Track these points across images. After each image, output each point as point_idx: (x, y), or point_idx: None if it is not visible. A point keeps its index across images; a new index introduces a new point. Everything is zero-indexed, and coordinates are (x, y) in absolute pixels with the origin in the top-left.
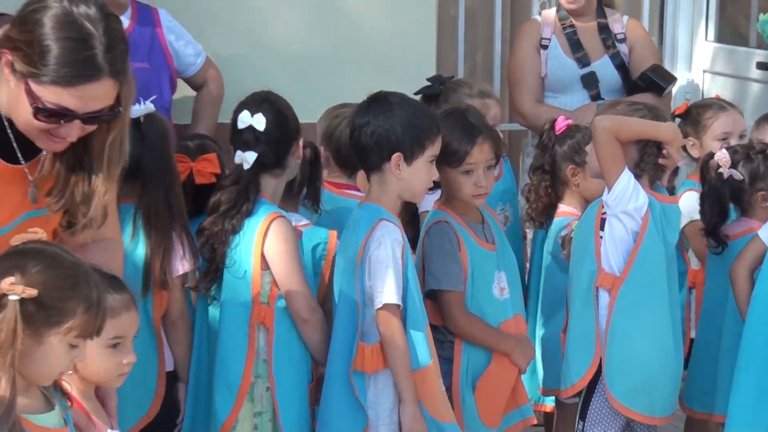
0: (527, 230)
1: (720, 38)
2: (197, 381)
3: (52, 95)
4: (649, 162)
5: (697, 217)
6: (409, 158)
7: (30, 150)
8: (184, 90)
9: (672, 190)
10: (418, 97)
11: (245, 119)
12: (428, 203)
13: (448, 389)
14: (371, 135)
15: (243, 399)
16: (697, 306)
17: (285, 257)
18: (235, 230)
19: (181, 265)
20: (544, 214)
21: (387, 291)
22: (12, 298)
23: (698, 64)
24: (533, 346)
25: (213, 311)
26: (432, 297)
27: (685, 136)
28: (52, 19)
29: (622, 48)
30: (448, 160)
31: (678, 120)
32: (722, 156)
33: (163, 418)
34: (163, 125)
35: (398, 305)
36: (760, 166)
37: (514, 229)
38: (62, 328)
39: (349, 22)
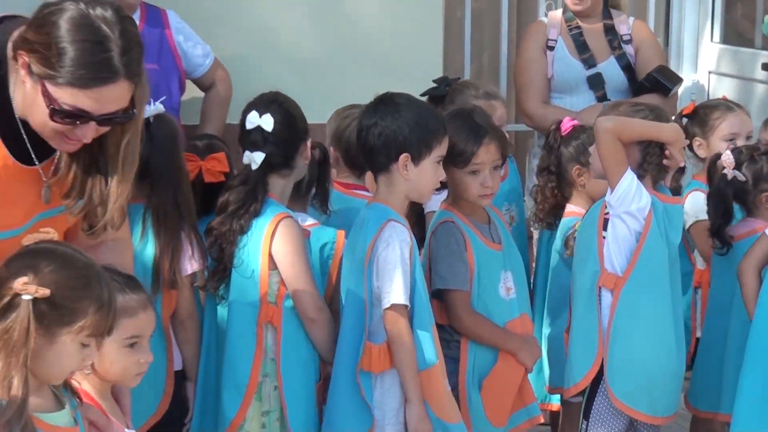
0: (533, 230)
1: (725, 39)
2: (205, 380)
3: (68, 97)
4: (651, 162)
5: (703, 217)
6: (416, 159)
7: (43, 151)
8: (192, 91)
9: (678, 190)
10: (424, 99)
11: (253, 120)
12: (435, 203)
13: (455, 388)
14: (379, 136)
15: (251, 398)
16: (703, 306)
17: (292, 257)
18: (243, 230)
19: (190, 264)
20: (551, 214)
21: (395, 291)
22: (25, 297)
23: (704, 65)
24: (539, 345)
25: (221, 311)
26: (438, 296)
27: (693, 136)
28: (69, 21)
29: (628, 49)
30: (454, 160)
31: (685, 120)
32: (726, 157)
33: (171, 416)
34: (172, 126)
35: (406, 305)
36: (764, 167)
37: (519, 229)
38: (74, 328)
39: (356, 23)
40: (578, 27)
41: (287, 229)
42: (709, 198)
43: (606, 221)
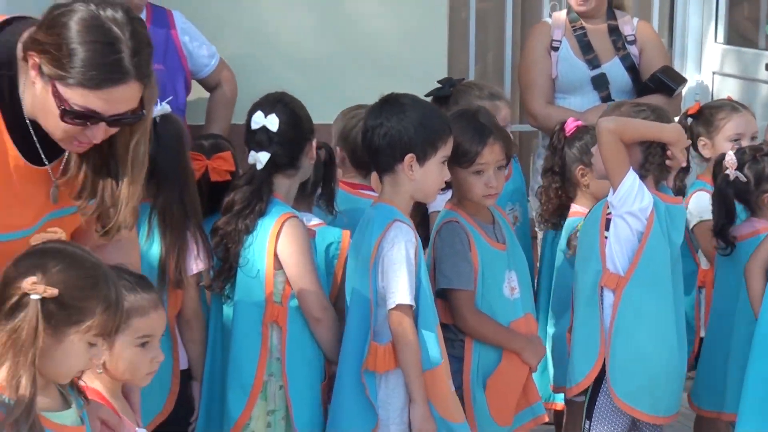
0: (538, 230)
1: (729, 40)
2: (211, 379)
3: (79, 98)
4: (653, 162)
5: (707, 217)
6: (421, 159)
7: (52, 151)
8: (198, 91)
9: (683, 190)
10: (428, 99)
11: (259, 120)
12: (439, 203)
13: (459, 388)
14: (384, 136)
15: (256, 397)
16: (707, 305)
17: (297, 257)
18: (249, 230)
19: (196, 264)
20: (556, 215)
21: (400, 291)
22: (33, 297)
23: (707, 65)
24: (544, 345)
25: (227, 310)
26: (442, 296)
27: (698, 136)
28: (80, 22)
29: (633, 50)
30: (459, 160)
31: (690, 120)
32: (729, 158)
33: (177, 416)
34: (178, 126)
35: (411, 305)
36: (766, 167)
37: (523, 229)
38: (82, 327)
39: (361, 24)
40: (582, 28)
41: (292, 229)
42: (712, 198)
43: (608, 221)
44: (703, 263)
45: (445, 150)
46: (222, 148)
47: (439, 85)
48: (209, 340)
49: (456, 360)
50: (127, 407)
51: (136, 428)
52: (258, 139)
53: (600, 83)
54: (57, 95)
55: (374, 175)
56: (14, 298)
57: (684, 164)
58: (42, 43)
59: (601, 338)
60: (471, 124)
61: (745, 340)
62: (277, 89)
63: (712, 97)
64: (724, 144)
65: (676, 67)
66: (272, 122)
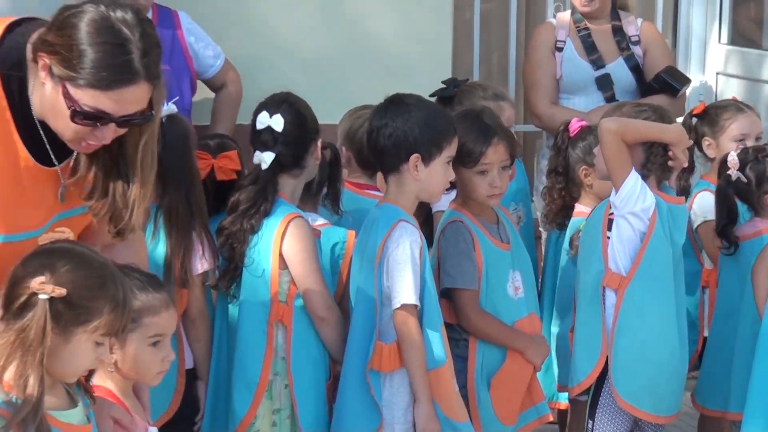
0: (542, 230)
1: (733, 41)
2: (217, 379)
3: (89, 98)
4: (655, 163)
5: (711, 217)
6: (426, 159)
7: (61, 152)
8: (203, 92)
9: (687, 190)
10: (433, 100)
11: (264, 120)
12: (443, 203)
13: (463, 387)
14: (389, 136)
15: (261, 396)
16: (711, 305)
17: (302, 257)
18: (254, 230)
19: (201, 263)
20: (560, 215)
21: (405, 291)
22: (42, 297)
23: (711, 66)
24: (548, 344)
25: (232, 309)
26: (447, 296)
27: (702, 136)
28: (91, 23)
29: (637, 50)
30: (463, 160)
31: (695, 120)
32: (731, 158)
33: (182, 415)
34: (184, 126)
35: (416, 305)
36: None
37: (526, 228)
38: (89, 327)
39: (366, 25)
40: (586, 28)
41: (297, 228)
42: (715, 198)
43: (610, 221)
44: (707, 263)
45: (450, 150)
46: (228, 148)
47: (444, 86)
48: (215, 340)
49: (460, 359)
50: (138, 406)
51: (149, 427)
52: (263, 139)
53: (604, 84)
54: (67, 96)
55: (380, 175)
56: (23, 298)
57: (686, 164)
58: (52, 44)
59: (603, 338)
60: (475, 124)
61: (748, 340)
62: (282, 89)
63: (716, 98)
64: (729, 144)
65: (680, 67)
66: (277, 122)
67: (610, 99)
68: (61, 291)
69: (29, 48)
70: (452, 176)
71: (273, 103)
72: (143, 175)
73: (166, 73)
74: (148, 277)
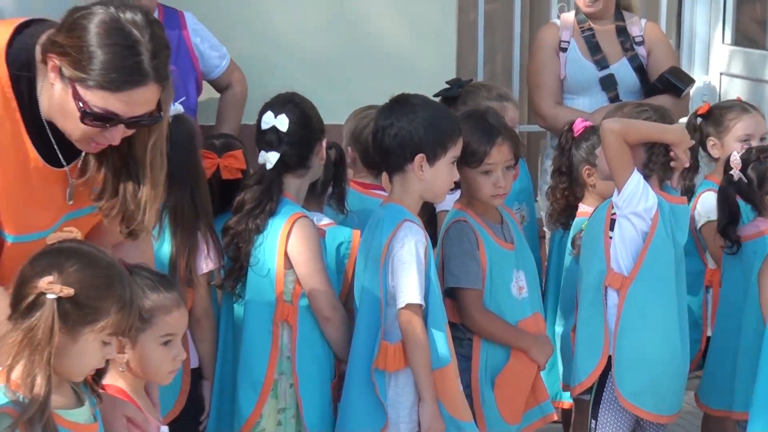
0: (546, 230)
1: (736, 41)
2: (222, 378)
3: (99, 100)
4: (657, 163)
5: (714, 217)
6: (431, 159)
7: (69, 152)
8: (209, 92)
9: (691, 190)
10: (437, 100)
11: (269, 120)
12: (447, 203)
13: (468, 386)
14: (394, 136)
15: (266, 395)
16: (714, 305)
17: (307, 257)
18: (259, 229)
19: (206, 263)
20: (564, 215)
21: (410, 291)
22: (50, 296)
23: (715, 66)
24: (552, 343)
25: (238, 309)
26: (451, 295)
27: (707, 136)
28: (101, 25)
29: (641, 50)
30: (467, 160)
31: (700, 120)
32: (734, 158)
33: (188, 414)
34: (189, 126)
35: (421, 305)
36: None
37: (530, 228)
38: (97, 327)
39: (371, 25)
40: (590, 29)
41: (303, 228)
42: (717, 198)
43: (613, 221)
44: (711, 263)
45: (455, 150)
46: (233, 147)
47: (448, 86)
48: (220, 339)
49: (464, 359)
50: (149, 405)
51: (160, 426)
52: (268, 139)
53: (608, 84)
54: (77, 97)
55: (385, 175)
56: (30, 297)
57: (687, 164)
58: (62, 45)
59: (604, 337)
60: (479, 124)
61: (753, 339)
62: (287, 90)
63: (720, 98)
64: (733, 144)
65: (684, 67)
66: (282, 122)
67: (614, 99)
68: (68, 291)
69: (38, 49)
70: (457, 176)
71: (278, 103)
72: (153, 175)
73: (173, 74)
74: (159, 277)
